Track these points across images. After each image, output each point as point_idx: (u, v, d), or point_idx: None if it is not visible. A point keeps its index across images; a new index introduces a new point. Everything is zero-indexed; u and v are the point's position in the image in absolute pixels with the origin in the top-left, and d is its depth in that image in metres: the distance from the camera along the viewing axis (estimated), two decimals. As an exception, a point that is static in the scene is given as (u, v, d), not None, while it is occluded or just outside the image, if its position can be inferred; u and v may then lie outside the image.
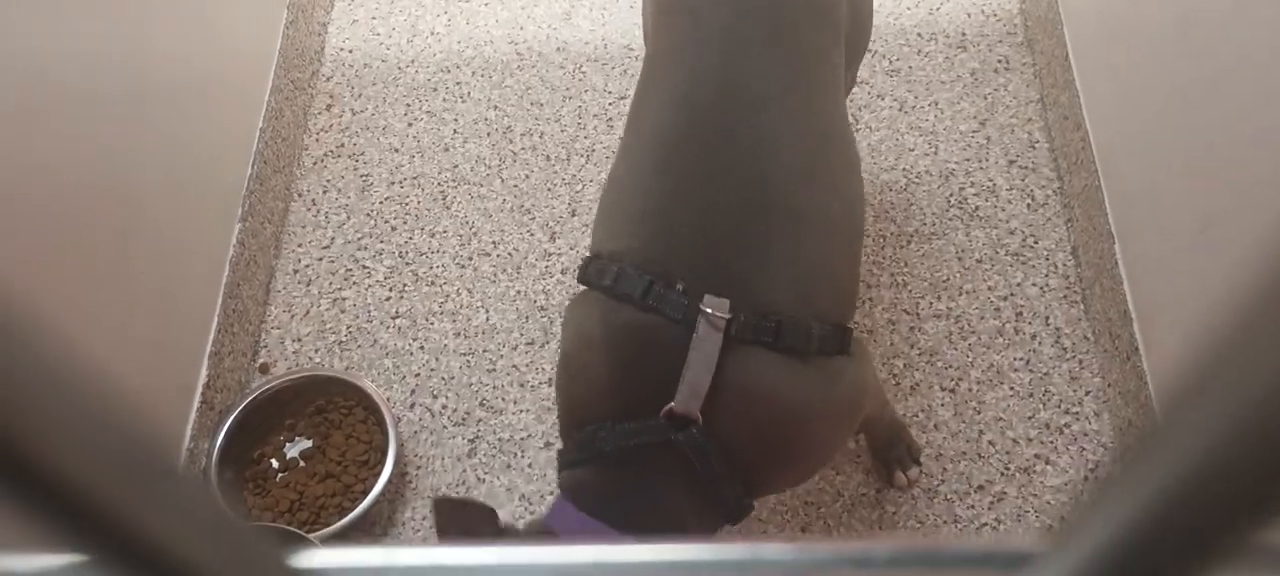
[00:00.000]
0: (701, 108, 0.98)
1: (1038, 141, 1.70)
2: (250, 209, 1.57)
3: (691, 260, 0.92)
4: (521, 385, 1.51)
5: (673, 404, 0.89)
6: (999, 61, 1.80)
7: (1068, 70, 1.62)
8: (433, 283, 1.62)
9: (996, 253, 1.59)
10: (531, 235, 1.66)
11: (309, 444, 1.43)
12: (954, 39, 1.84)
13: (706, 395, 0.89)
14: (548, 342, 1.55)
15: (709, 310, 0.89)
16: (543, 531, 0.94)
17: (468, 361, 1.54)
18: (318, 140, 1.80)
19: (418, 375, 1.53)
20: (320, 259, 1.66)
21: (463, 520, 0.94)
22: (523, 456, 1.45)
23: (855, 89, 1.78)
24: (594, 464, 0.93)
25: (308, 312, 1.60)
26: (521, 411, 1.49)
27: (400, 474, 1.44)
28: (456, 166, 1.75)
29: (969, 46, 1.83)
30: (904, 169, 1.68)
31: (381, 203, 1.72)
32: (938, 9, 1.88)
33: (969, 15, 1.87)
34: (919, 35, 1.85)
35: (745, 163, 0.96)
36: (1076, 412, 1.44)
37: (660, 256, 0.93)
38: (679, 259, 0.92)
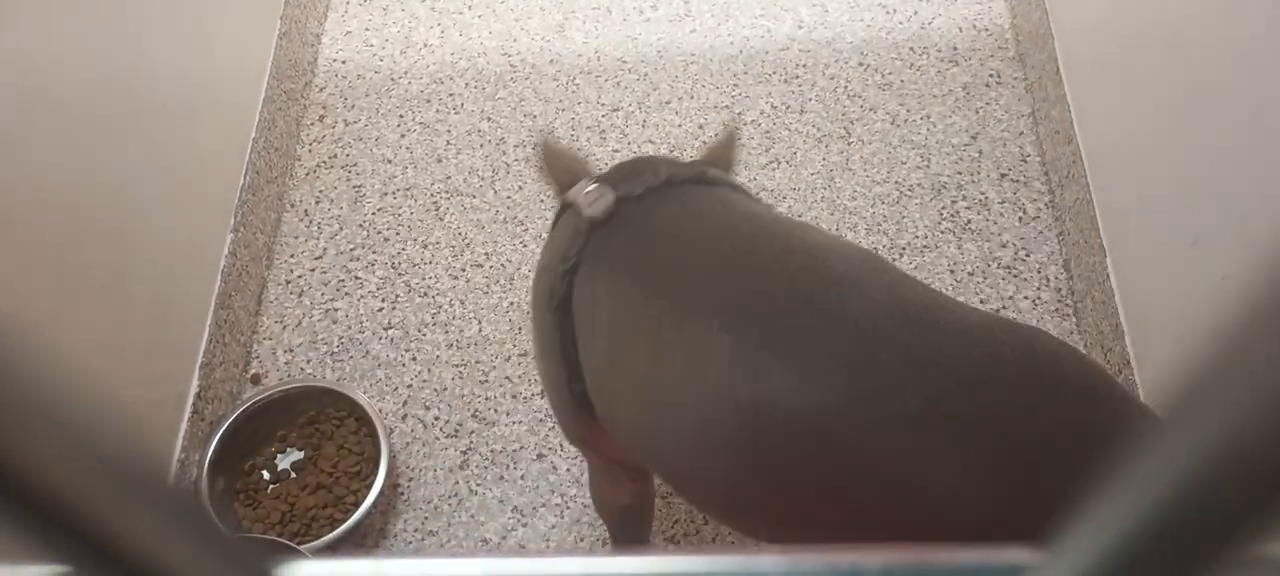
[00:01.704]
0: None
1: (1029, 155, 1.71)
2: (243, 219, 1.56)
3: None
4: (514, 397, 1.51)
5: None
6: (990, 76, 1.81)
7: (1059, 85, 1.63)
8: (425, 294, 1.62)
9: (989, 266, 1.59)
10: (525, 246, 1.65)
11: (300, 455, 1.43)
12: (945, 53, 1.85)
13: None
14: (540, 354, 1.54)
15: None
16: None
17: (460, 373, 1.54)
18: (310, 151, 1.80)
19: (410, 386, 1.53)
20: (313, 269, 1.66)
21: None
22: (515, 468, 1.45)
23: (846, 102, 1.79)
24: None
25: (300, 323, 1.60)
26: (514, 423, 1.48)
27: (392, 485, 1.43)
28: (449, 178, 1.75)
29: (960, 61, 1.83)
30: (897, 182, 1.68)
31: (374, 213, 1.71)
32: (929, 23, 1.89)
33: (960, 30, 1.88)
34: (911, 49, 1.85)
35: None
36: (1069, 425, 1.44)
37: None
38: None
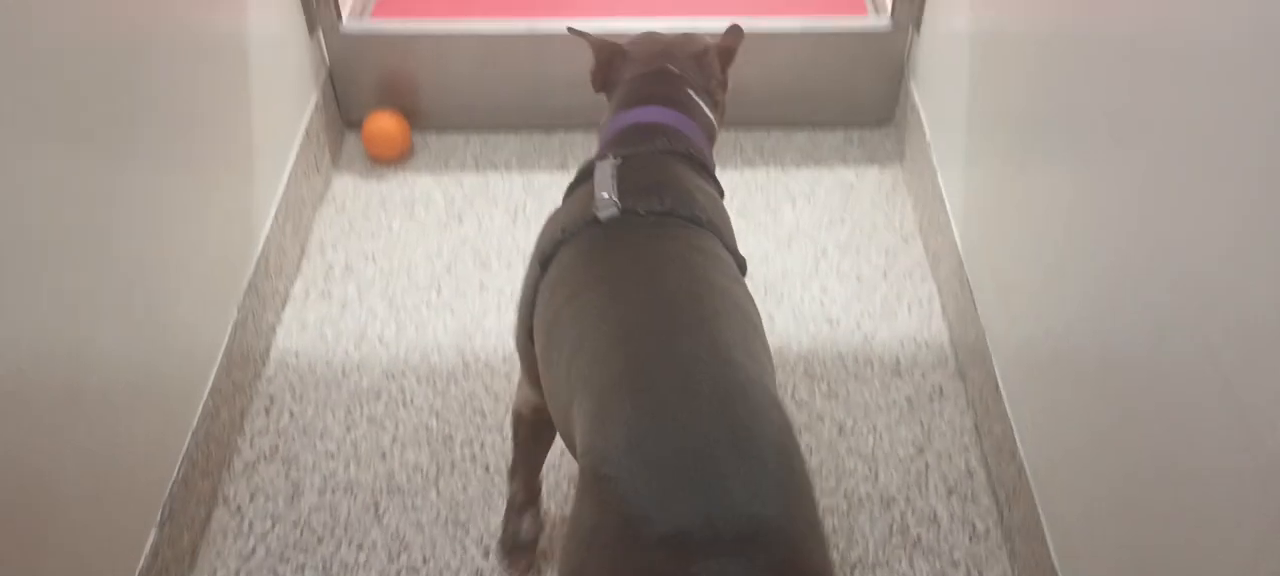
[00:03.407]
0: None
1: (975, 470, 1.72)
2: (170, 514, 1.50)
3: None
4: None
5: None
6: (933, 389, 1.86)
7: (999, 401, 1.67)
8: (356, 599, 1.53)
9: (941, 584, 1.55)
10: (465, 550, 1.59)
11: None
12: (889, 365, 1.90)
13: None
14: (474, 670, 1.44)
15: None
16: None
17: (385, 690, 1.42)
18: (252, 443, 1.76)
19: None
20: (238, 571, 1.57)
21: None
22: None
23: (793, 409, 1.81)
24: None
25: (217, 630, 1.49)
26: None
27: None
28: (392, 475, 1.70)
29: (904, 374, 1.89)
30: (845, 492, 1.68)
31: (310, 511, 1.65)
32: (872, 336, 1.96)
33: (902, 344, 1.94)
34: (856, 360, 1.91)
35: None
36: None
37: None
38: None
